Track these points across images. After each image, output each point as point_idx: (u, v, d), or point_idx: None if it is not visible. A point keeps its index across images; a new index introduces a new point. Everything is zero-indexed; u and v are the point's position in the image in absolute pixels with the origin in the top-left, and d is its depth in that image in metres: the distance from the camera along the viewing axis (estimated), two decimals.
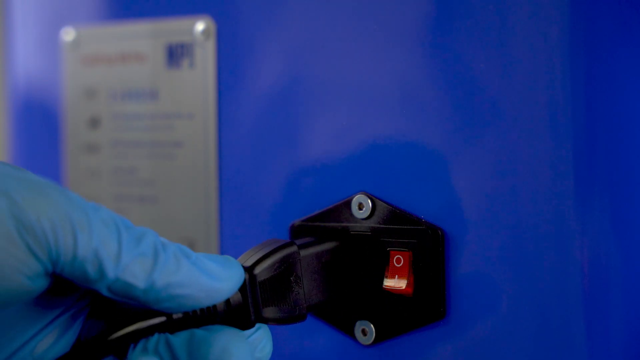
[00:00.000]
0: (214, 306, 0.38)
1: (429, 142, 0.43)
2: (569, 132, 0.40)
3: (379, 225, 0.44)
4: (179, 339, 0.37)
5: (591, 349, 0.40)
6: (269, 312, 0.41)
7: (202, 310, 0.38)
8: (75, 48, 0.57)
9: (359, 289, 0.45)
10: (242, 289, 0.40)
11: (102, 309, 0.38)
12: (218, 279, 0.38)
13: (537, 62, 0.40)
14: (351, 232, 0.45)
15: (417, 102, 0.44)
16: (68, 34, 0.57)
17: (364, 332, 0.45)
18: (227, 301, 0.39)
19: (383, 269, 0.44)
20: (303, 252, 0.43)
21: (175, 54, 0.53)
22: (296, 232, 0.47)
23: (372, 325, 0.45)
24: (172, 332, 0.37)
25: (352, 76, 0.46)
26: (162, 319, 0.37)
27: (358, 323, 0.45)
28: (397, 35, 0.44)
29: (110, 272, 0.35)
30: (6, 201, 0.33)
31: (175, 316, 0.37)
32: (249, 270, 0.40)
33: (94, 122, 0.56)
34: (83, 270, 0.34)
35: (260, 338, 0.39)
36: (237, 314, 0.39)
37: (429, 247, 0.43)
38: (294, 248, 0.42)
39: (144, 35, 0.54)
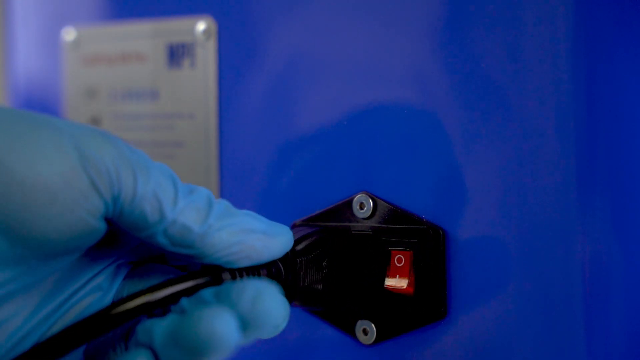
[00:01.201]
0: (257, 274, 0.39)
1: (431, 141, 0.43)
2: (572, 132, 0.40)
3: (380, 225, 0.44)
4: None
5: (591, 348, 0.40)
6: (303, 291, 0.42)
7: (247, 274, 0.38)
8: (76, 48, 0.57)
9: (360, 289, 0.45)
10: (284, 261, 0.40)
11: (146, 272, 0.39)
12: (273, 230, 0.38)
13: (541, 65, 0.40)
14: (352, 232, 0.45)
15: (419, 101, 0.44)
16: (69, 34, 0.57)
17: (365, 332, 0.45)
18: (270, 269, 0.39)
19: (384, 269, 0.44)
20: (335, 241, 0.44)
21: (176, 53, 0.53)
22: None
23: (373, 325, 0.45)
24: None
25: (356, 75, 0.46)
26: (181, 286, 0.36)
27: (359, 323, 0.45)
28: (404, 34, 0.44)
29: (169, 213, 0.35)
30: (70, 137, 0.34)
31: (224, 277, 0.37)
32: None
33: (95, 122, 0.56)
34: (142, 210, 0.35)
35: None
36: None
37: (430, 246, 0.43)
38: (327, 235, 0.44)
39: (144, 35, 0.54)
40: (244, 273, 0.38)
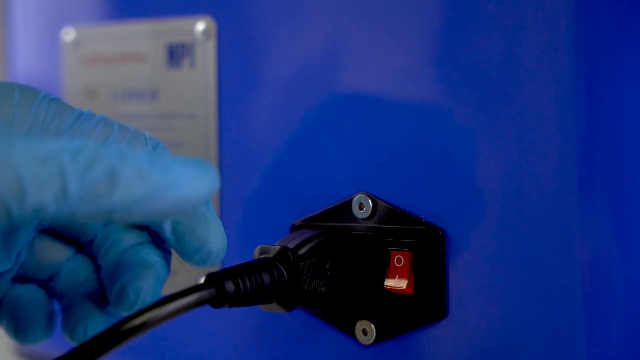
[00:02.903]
0: (262, 282, 0.40)
1: (431, 141, 0.43)
2: (572, 132, 0.40)
3: (379, 225, 0.44)
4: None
5: (591, 348, 0.40)
6: (307, 295, 0.42)
7: (251, 286, 0.39)
8: (76, 48, 0.57)
9: (360, 289, 0.45)
10: (287, 266, 0.41)
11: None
12: (189, 187, 0.34)
13: (541, 65, 0.40)
14: (352, 232, 0.45)
15: (419, 102, 0.44)
16: (68, 34, 0.57)
17: (364, 332, 0.45)
18: (272, 276, 0.40)
19: (384, 269, 0.44)
20: (336, 243, 0.45)
21: (176, 54, 0.53)
22: None
23: (372, 325, 0.45)
24: (216, 307, 0.39)
25: (356, 75, 0.46)
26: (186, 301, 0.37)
27: (359, 323, 0.45)
28: (405, 34, 0.44)
29: (51, 207, 0.31)
30: None
31: (227, 286, 0.38)
32: (293, 251, 0.42)
33: None
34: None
35: None
36: (280, 291, 0.41)
37: (429, 247, 0.43)
38: (329, 237, 0.44)
39: (144, 35, 0.54)
40: (247, 282, 0.39)
